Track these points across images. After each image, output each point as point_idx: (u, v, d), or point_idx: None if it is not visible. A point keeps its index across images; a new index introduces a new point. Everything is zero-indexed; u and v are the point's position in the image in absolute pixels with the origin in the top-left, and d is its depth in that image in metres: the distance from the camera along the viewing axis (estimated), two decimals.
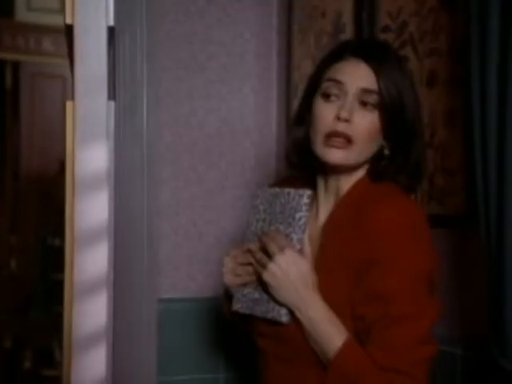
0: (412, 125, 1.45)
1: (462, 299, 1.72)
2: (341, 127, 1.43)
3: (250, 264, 1.50)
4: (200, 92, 2.46)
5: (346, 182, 1.50)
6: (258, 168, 2.50)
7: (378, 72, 1.44)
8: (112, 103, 1.76)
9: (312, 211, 1.53)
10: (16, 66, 6.08)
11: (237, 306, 1.54)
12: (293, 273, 1.41)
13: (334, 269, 1.43)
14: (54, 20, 5.56)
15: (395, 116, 1.44)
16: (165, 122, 2.38)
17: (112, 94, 1.76)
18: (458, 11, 1.71)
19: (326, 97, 1.46)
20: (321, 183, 1.54)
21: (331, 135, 1.43)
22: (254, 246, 1.49)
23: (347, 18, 2.15)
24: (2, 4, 6.00)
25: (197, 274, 2.42)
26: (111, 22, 1.74)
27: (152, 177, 1.84)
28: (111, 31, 1.75)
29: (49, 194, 5.80)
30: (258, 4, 2.53)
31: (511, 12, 1.36)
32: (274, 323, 1.46)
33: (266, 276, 1.44)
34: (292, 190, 1.47)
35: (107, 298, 1.79)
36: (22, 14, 6.03)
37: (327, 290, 1.42)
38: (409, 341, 1.34)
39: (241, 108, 2.50)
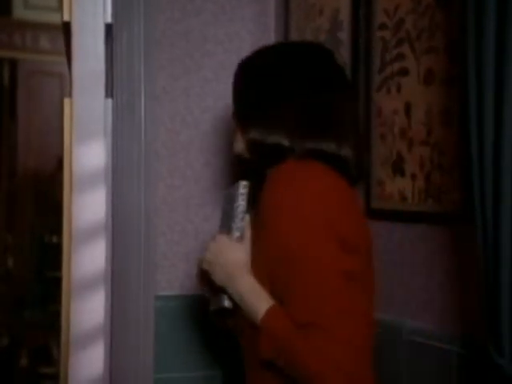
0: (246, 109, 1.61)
1: (458, 297, 1.72)
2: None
3: None
4: (196, 90, 2.46)
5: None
6: None
7: None
8: (109, 101, 1.77)
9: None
10: (13, 63, 6.07)
11: (210, 308, 1.62)
12: (224, 256, 1.52)
13: (255, 246, 1.52)
14: (51, 18, 5.55)
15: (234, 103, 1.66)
16: (161, 120, 2.38)
17: (109, 92, 1.76)
18: (454, 9, 1.71)
19: None
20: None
21: None
22: None
23: (344, 16, 2.15)
24: None
25: (193, 271, 2.41)
26: (109, 20, 1.74)
27: (149, 174, 1.84)
28: (109, 28, 1.75)
29: (46, 192, 5.79)
30: (254, 2, 2.53)
31: (507, 10, 1.36)
32: (234, 315, 1.54)
33: (204, 264, 1.57)
34: (235, 184, 1.59)
35: (104, 295, 1.80)
36: (20, 12, 6.02)
37: (254, 267, 1.50)
38: (311, 291, 1.38)
39: None
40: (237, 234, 1.53)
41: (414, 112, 1.84)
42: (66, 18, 1.74)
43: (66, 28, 1.78)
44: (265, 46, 1.70)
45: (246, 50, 2.50)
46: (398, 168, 1.90)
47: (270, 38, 2.55)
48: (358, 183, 1.63)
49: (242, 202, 1.54)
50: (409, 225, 1.88)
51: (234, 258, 1.51)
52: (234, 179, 2.49)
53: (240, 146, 1.63)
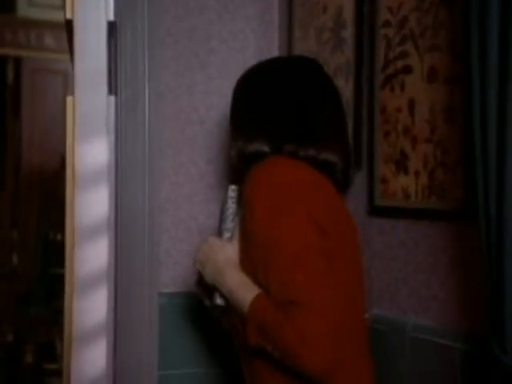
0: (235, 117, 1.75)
1: (461, 293, 1.72)
2: None
3: None
4: (200, 88, 2.46)
5: None
6: None
7: None
8: (113, 98, 1.77)
9: None
10: (17, 61, 6.08)
11: (208, 307, 1.68)
12: (214, 255, 1.58)
13: (242, 244, 1.57)
14: (56, 16, 5.56)
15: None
16: (165, 117, 2.38)
17: (113, 89, 1.77)
18: (458, 7, 1.71)
19: None
20: None
21: None
22: None
23: (348, 14, 2.15)
24: (3, 0, 6.00)
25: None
26: (111, 17, 1.74)
27: (153, 171, 1.85)
28: (111, 26, 1.76)
29: (50, 189, 5.80)
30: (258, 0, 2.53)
31: (511, 8, 1.36)
32: (228, 314, 1.59)
33: (195, 264, 1.65)
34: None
35: (108, 292, 1.80)
36: (24, 10, 6.03)
37: (242, 264, 1.56)
38: (292, 272, 1.42)
39: None
40: (227, 235, 1.60)
41: (418, 110, 1.84)
42: (68, 15, 1.74)
43: (69, 26, 1.79)
44: (258, 62, 1.82)
45: (249, 47, 2.51)
46: (401, 165, 1.90)
47: (274, 36, 2.55)
48: (346, 190, 1.71)
49: (231, 205, 1.62)
50: (412, 222, 1.88)
51: (223, 256, 1.57)
52: (237, 177, 2.49)
53: (233, 154, 1.72)
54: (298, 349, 1.37)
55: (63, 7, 1.80)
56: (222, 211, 1.63)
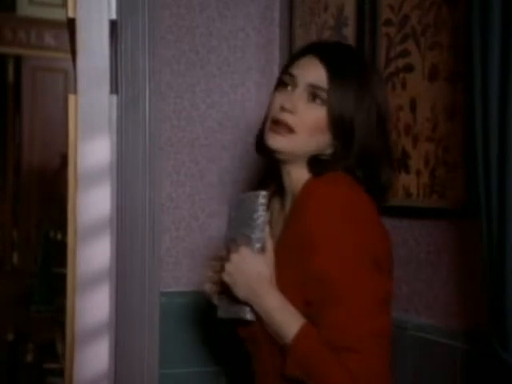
0: (362, 126, 1.49)
1: (462, 292, 1.72)
2: (283, 116, 1.50)
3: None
4: (201, 86, 2.46)
5: (298, 180, 1.55)
6: (259, 162, 2.50)
7: (329, 69, 1.49)
8: (114, 97, 1.77)
9: (278, 209, 1.62)
10: (18, 60, 6.09)
11: (219, 313, 1.61)
12: (246, 269, 1.47)
13: (287, 261, 1.47)
14: (55, 14, 5.57)
15: (341, 115, 1.48)
16: (166, 116, 2.38)
17: (114, 88, 1.77)
18: (460, 5, 1.71)
19: (282, 86, 1.54)
20: (284, 180, 1.60)
21: (275, 122, 1.51)
22: (224, 253, 1.57)
23: (349, 12, 2.15)
24: None
25: (198, 268, 2.42)
26: (113, 16, 1.74)
27: (154, 170, 1.84)
28: (113, 25, 1.76)
29: (51, 188, 5.81)
30: None
31: None
32: (248, 325, 1.52)
33: (224, 276, 1.51)
34: (252, 193, 1.54)
35: (109, 291, 1.80)
36: (24, 9, 6.04)
37: (283, 283, 1.46)
38: (350, 317, 1.36)
39: (242, 102, 2.50)
40: (257, 245, 1.49)
41: (419, 108, 1.84)
42: (70, 14, 1.74)
43: (71, 24, 1.79)
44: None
45: (250, 45, 2.51)
46: (402, 164, 1.89)
47: (275, 33, 2.55)
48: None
49: (262, 213, 1.50)
50: (413, 221, 1.88)
51: (257, 271, 1.47)
52: (239, 175, 2.49)
53: (304, 145, 1.52)
54: None
55: (65, 6, 1.80)
56: (250, 218, 1.51)
